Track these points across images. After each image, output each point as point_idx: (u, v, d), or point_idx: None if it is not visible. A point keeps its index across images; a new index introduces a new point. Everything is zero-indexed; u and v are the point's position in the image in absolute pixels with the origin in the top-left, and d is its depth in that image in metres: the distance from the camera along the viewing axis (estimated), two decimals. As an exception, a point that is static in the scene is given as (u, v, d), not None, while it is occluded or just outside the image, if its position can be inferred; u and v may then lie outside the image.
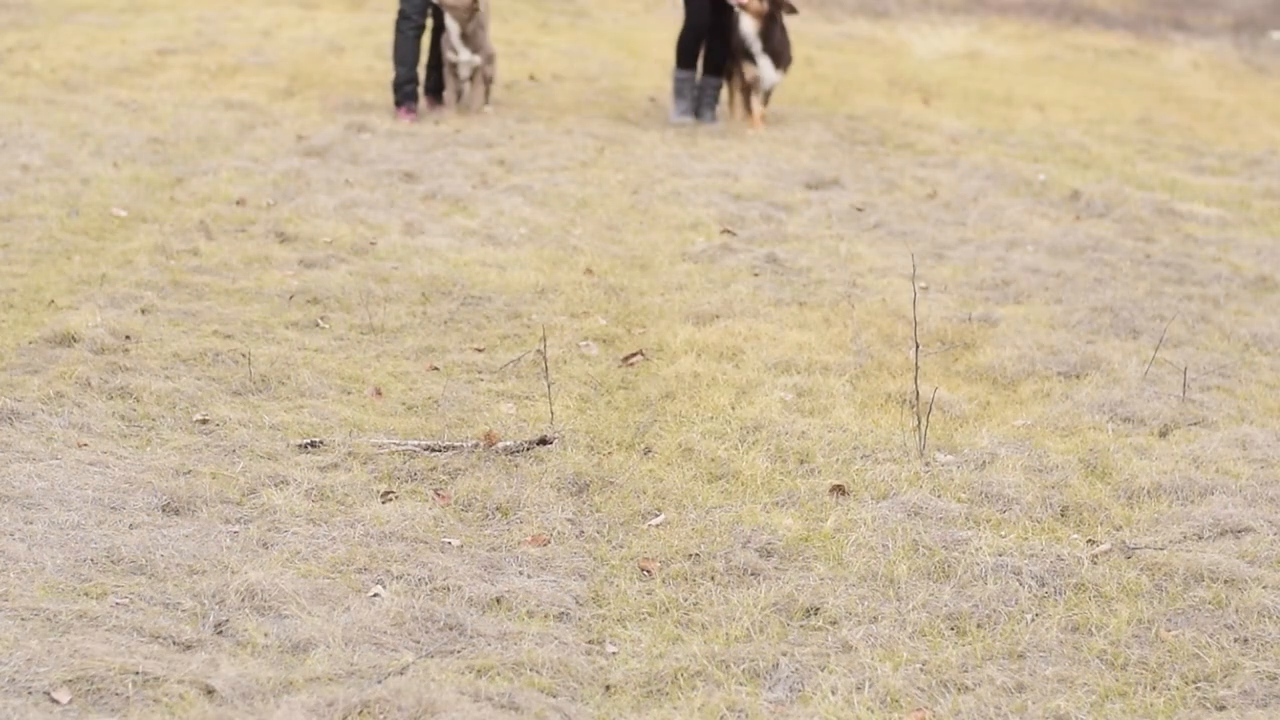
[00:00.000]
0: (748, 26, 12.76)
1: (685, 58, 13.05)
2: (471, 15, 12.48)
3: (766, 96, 13.07)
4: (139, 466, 6.14)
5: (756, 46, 12.80)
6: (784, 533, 5.82)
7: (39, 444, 6.25)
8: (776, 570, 5.59)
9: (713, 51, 13.07)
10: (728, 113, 13.33)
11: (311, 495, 6.00)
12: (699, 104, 13.13)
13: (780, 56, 12.90)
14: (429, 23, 12.84)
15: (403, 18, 12.58)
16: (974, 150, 12.56)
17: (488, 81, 12.94)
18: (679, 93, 13.09)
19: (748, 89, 13.03)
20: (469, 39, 12.59)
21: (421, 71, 13.00)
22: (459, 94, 12.96)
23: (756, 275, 9.03)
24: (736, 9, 12.72)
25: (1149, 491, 6.32)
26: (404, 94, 12.56)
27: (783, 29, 12.92)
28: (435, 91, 12.96)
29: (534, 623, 5.19)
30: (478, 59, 12.72)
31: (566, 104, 13.42)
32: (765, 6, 12.73)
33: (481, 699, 4.67)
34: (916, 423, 6.74)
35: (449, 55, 12.67)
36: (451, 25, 12.56)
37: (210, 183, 10.29)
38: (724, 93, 13.45)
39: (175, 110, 12.20)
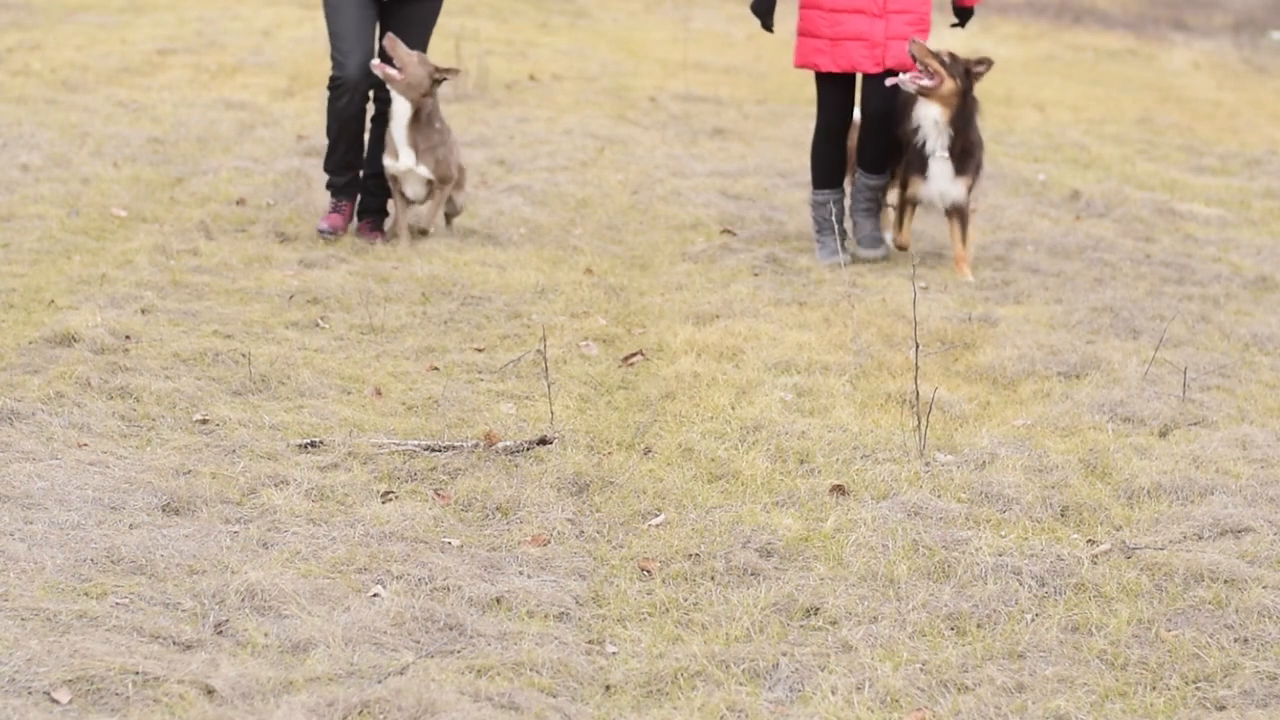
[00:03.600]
0: (930, 115, 8.98)
1: (823, 172, 9.45)
2: (427, 90, 8.98)
3: (963, 226, 9.16)
4: (139, 466, 6.14)
5: (939, 144, 9.02)
6: (784, 533, 5.82)
7: (39, 444, 6.24)
8: (776, 570, 5.59)
9: (869, 142, 9.36)
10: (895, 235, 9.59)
11: (311, 495, 6.00)
12: (853, 214, 9.52)
13: (967, 159, 9.08)
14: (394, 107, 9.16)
15: (333, 85, 9.08)
16: (974, 150, 12.56)
17: (452, 211, 9.50)
18: (821, 224, 9.43)
19: (912, 205, 9.32)
20: (418, 133, 9.04)
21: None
22: (411, 227, 9.38)
23: (756, 275, 9.03)
24: (912, 89, 8.93)
25: (1149, 491, 6.32)
26: (333, 184, 9.27)
27: (977, 121, 9.13)
28: (374, 213, 9.43)
29: (534, 623, 5.18)
30: (424, 170, 9.11)
31: (566, 104, 13.43)
32: (958, 84, 8.92)
33: (481, 699, 4.67)
34: (916, 423, 6.74)
35: (388, 162, 9.11)
36: (398, 107, 9.03)
37: (210, 183, 10.29)
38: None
39: (175, 110, 12.20)
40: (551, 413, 6.85)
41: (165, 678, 4.62)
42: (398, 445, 6.45)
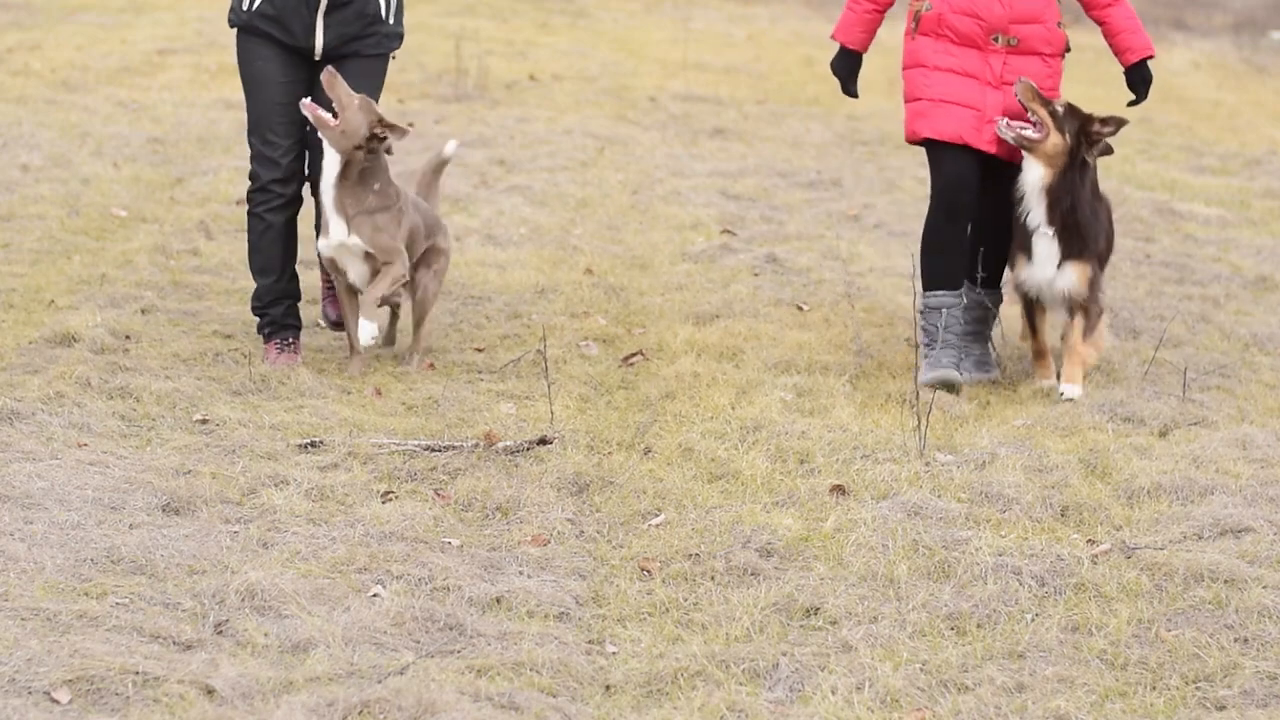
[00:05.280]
0: (1031, 178, 7.33)
1: (938, 266, 7.46)
2: (361, 143, 7.05)
3: (1086, 321, 7.39)
4: (139, 466, 6.14)
5: (1039, 215, 7.33)
6: (784, 533, 5.82)
7: (39, 444, 6.24)
8: (776, 570, 5.58)
9: (995, 248, 7.54)
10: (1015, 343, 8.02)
11: (311, 495, 6.00)
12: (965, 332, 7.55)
13: (1079, 239, 7.34)
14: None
15: (256, 190, 7.31)
16: (974, 150, 12.54)
17: (418, 318, 7.42)
18: (933, 333, 7.44)
19: (1030, 303, 7.54)
20: (347, 195, 7.09)
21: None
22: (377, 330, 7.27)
23: (756, 275, 9.03)
24: (1009, 136, 7.30)
25: (1149, 491, 6.32)
26: (270, 320, 7.38)
27: (1095, 195, 7.43)
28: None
29: (534, 623, 5.18)
30: (356, 240, 7.11)
31: (566, 104, 13.42)
32: (1065, 141, 7.27)
33: (481, 699, 4.67)
34: (916, 423, 6.74)
35: (320, 243, 7.21)
36: (328, 160, 7.12)
37: (210, 183, 10.29)
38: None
39: (175, 110, 12.20)
40: (551, 413, 6.85)
41: (165, 678, 4.62)
42: (398, 445, 6.45)
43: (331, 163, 7.09)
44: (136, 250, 8.78)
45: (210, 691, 4.59)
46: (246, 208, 7.33)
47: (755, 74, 15.38)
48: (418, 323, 7.38)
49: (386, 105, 12.87)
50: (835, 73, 7.68)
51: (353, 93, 7.08)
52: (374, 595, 5.27)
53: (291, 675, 4.73)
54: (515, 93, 13.79)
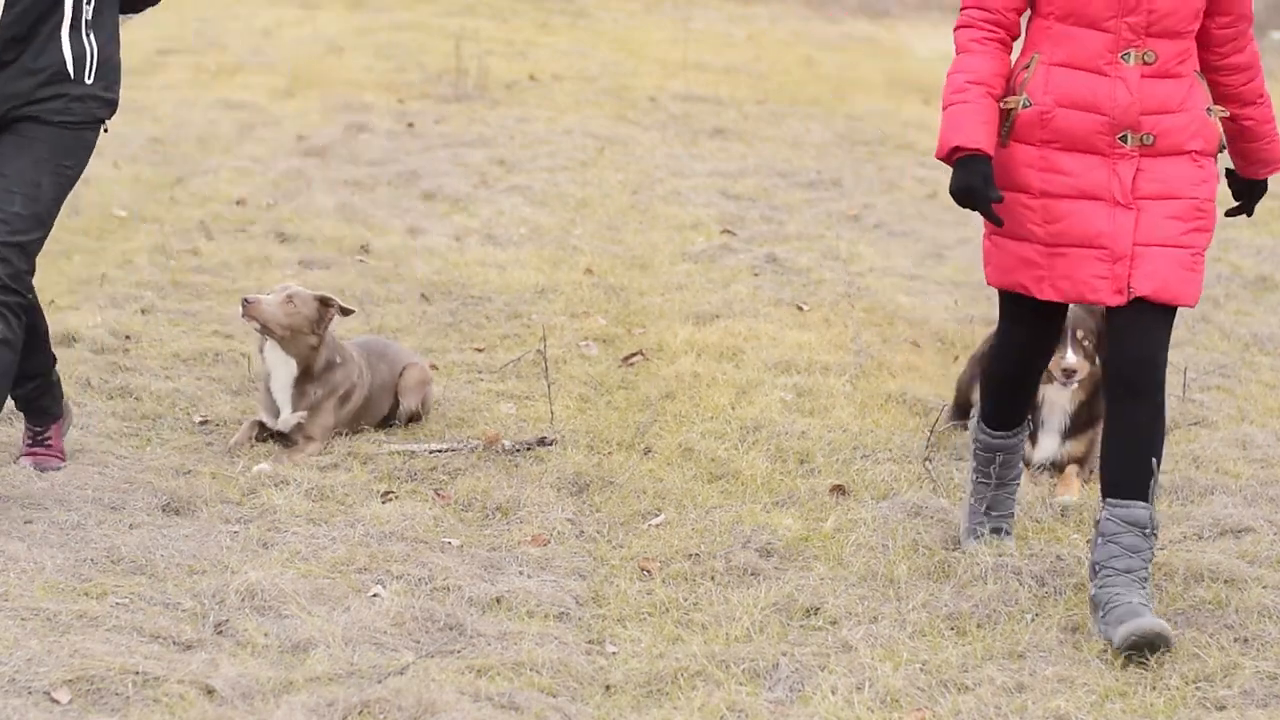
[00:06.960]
0: (1057, 401, 6.56)
1: (999, 404, 5.77)
2: (321, 333, 6.37)
3: (1080, 466, 6.56)
4: (139, 466, 6.14)
5: (1056, 421, 6.57)
6: (784, 533, 5.82)
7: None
8: (776, 570, 5.58)
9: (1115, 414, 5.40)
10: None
11: (311, 495, 6.00)
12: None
13: (1085, 425, 6.59)
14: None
15: None
16: (974, 150, 12.52)
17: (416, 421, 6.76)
18: (982, 480, 5.81)
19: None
20: (313, 384, 6.40)
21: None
22: None
23: (756, 275, 9.03)
24: (1058, 377, 6.47)
25: (1149, 491, 6.31)
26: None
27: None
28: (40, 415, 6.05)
29: (534, 623, 5.18)
30: (303, 416, 6.40)
31: (566, 104, 13.42)
32: (1095, 367, 6.50)
33: (481, 699, 4.66)
34: (927, 431, 6.73)
35: (265, 420, 6.42)
36: (275, 361, 6.38)
37: (210, 183, 10.29)
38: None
39: (175, 110, 12.20)
40: (551, 413, 6.85)
41: (165, 678, 4.62)
42: (398, 445, 6.45)
43: (282, 363, 6.38)
44: (136, 250, 8.78)
45: (210, 691, 4.59)
46: None
47: (755, 74, 15.38)
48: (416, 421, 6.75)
49: (387, 106, 12.94)
50: (968, 193, 5.19)
51: (272, 300, 6.26)
52: (374, 595, 5.26)
53: (291, 675, 4.73)
54: (515, 93, 13.78)
